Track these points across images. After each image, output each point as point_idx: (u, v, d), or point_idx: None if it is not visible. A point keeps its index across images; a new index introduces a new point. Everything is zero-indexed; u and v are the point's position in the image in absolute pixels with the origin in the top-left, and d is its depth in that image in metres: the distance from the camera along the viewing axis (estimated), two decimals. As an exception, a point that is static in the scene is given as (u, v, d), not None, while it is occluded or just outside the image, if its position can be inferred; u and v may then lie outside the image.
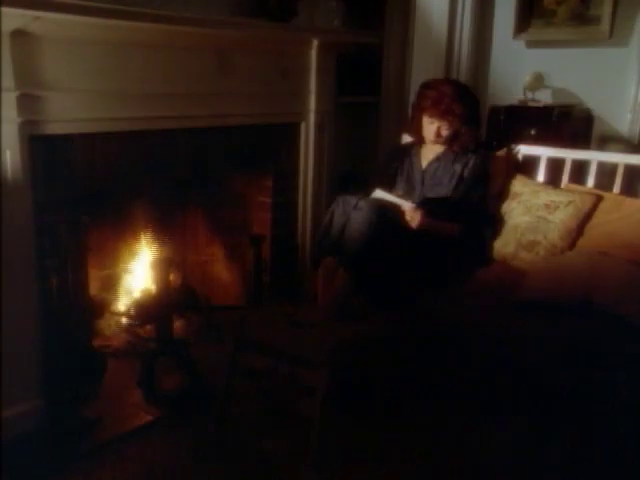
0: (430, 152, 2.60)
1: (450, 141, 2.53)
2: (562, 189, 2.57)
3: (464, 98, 2.48)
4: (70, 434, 2.02)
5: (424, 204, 2.42)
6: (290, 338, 1.97)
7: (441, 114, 2.46)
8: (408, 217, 2.34)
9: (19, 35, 1.80)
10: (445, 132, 2.50)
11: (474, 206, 2.47)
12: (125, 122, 2.15)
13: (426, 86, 2.55)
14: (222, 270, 3.06)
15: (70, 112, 1.99)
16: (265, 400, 2.16)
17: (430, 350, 2.08)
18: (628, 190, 2.47)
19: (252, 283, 2.67)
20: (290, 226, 2.96)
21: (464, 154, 2.52)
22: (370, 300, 2.24)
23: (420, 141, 2.63)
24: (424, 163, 2.59)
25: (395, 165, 2.65)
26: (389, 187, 2.56)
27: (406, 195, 2.52)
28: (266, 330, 2.05)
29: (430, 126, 2.51)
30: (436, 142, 2.55)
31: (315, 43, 2.73)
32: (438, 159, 2.56)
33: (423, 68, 3.24)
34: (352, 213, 2.22)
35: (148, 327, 2.62)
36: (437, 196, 2.49)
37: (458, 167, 2.51)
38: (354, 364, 2.14)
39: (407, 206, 2.36)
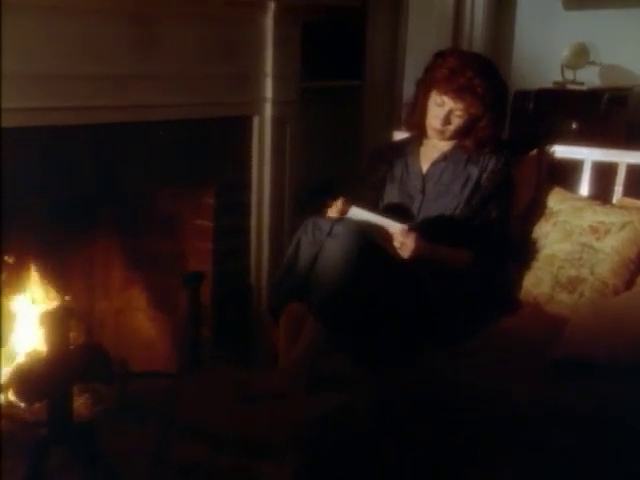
0: (433, 150, 2.62)
1: (461, 135, 2.55)
2: (614, 205, 2.63)
3: (490, 76, 2.51)
4: None
5: (423, 222, 2.45)
6: (240, 417, 1.97)
7: (457, 90, 2.46)
8: (397, 243, 2.33)
9: None
10: (457, 120, 2.51)
11: (491, 226, 2.50)
12: (2, 115, 2.13)
13: (441, 55, 2.59)
14: (144, 322, 3.07)
15: None
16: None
17: (434, 427, 2.08)
18: None
19: (186, 340, 2.67)
20: (240, 260, 2.99)
21: (479, 154, 2.55)
22: (351, 359, 2.24)
23: (420, 134, 2.65)
24: (425, 165, 2.61)
25: (384, 169, 2.67)
26: (375, 200, 2.59)
27: (401, 209, 2.53)
28: (206, 406, 2.05)
29: (438, 109, 2.51)
30: (441, 135, 2.56)
31: (272, 7, 2.77)
32: (445, 158, 2.59)
33: (421, 41, 3.32)
34: (325, 242, 2.23)
35: (37, 406, 2.58)
36: (443, 211, 2.51)
37: (474, 170, 2.53)
38: (330, 451, 2.13)
39: (396, 228, 2.35)
